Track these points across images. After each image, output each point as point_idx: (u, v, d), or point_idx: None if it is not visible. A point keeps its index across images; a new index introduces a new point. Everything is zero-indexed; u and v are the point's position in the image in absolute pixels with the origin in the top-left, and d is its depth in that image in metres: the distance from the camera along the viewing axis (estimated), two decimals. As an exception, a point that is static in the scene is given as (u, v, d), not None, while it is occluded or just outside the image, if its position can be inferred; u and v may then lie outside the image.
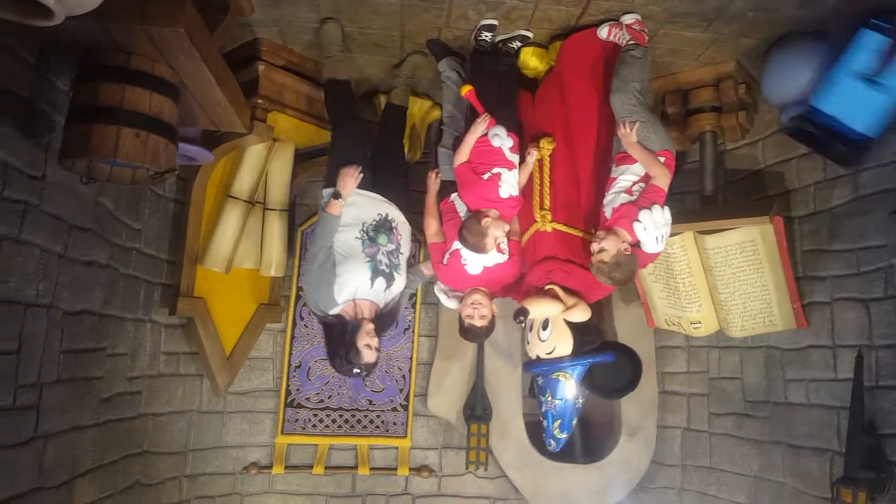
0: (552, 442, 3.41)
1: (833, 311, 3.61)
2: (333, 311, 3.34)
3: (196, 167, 4.06)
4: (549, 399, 3.35)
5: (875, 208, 3.38)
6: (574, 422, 3.39)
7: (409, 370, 4.77)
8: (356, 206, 3.49)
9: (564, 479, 4.67)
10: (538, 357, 3.38)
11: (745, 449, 4.17)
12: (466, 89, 3.48)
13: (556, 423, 3.35)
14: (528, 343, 3.47)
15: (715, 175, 4.19)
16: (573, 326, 3.32)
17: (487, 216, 3.31)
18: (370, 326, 3.28)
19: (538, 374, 3.42)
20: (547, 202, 3.62)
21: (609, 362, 3.32)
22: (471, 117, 3.54)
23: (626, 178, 3.34)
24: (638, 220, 3.15)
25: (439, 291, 3.71)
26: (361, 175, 3.45)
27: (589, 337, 3.35)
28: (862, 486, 3.19)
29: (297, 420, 4.66)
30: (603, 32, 3.57)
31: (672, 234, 3.88)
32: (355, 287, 3.33)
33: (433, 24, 3.63)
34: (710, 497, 4.40)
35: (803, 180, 3.87)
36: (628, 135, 3.30)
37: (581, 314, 3.33)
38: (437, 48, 3.84)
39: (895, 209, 3.26)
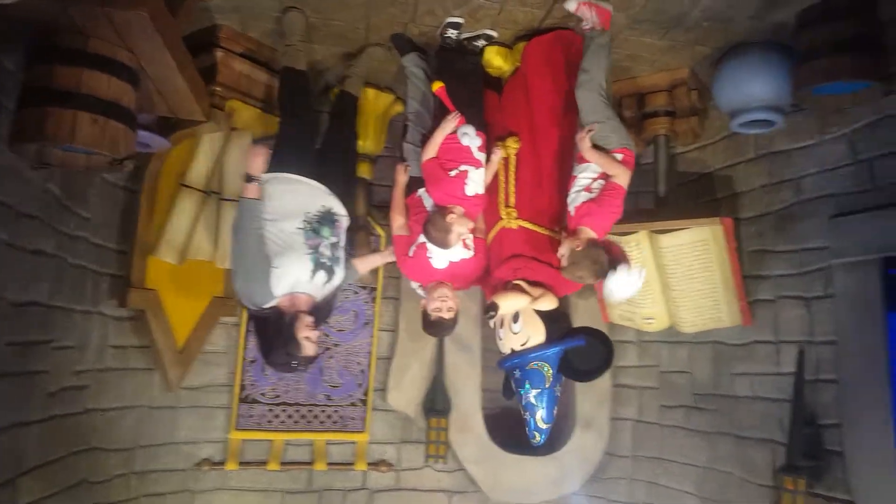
0: (536, 434, 3.42)
1: (777, 308, 3.79)
2: (269, 305, 3.20)
3: (149, 154, 3.93)
4: (529, 389, 3.35)
5: (816, 212, 3.57)
6: (555, 410, 3.41)
7: (369, 365, 4.74)
8: (300, 194, 3.40)
9: (522, 471, 4.75)
10: (512, 350, 3.39)
11: (693, 440, 4.33)
12: (438, 86, 3.50)
13: (539, 414, 3.36)
14: (501, 339, 3.47)
15: (668, 177, 4.33)
16: (543, 315, 3.36)
17: (452, 213, 3.34)
18: (309, 319, 3.16)
19: (513, 367, 3.42)
20: (512, 200, 3.68)
21: (581, 346, 3.34)
22: (439, 114, 3.56)
23: (585, 175, 3.43)
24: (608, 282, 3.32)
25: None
26: (270, 153, 3.35)
27: (558, 324, 3.40)
28: (803, 474, 3.39)
29: (251, 415, 4.58)
30: (571, 6, 3.43)
31: (628, 233, 4.02)
32: (295, 279, 3.21)
33: (399, 18, 3.63)
34: (659, 487, 4.56)
35: (750, 184, 4.04)
36: (583, 140, 3.39)
37: (549, 303, 3.40)
38: (402, 43, 3.84)
39: (835, 213, 3.44)
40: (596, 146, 3.40)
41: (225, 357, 4.61)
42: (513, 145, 3.73)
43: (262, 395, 4.60)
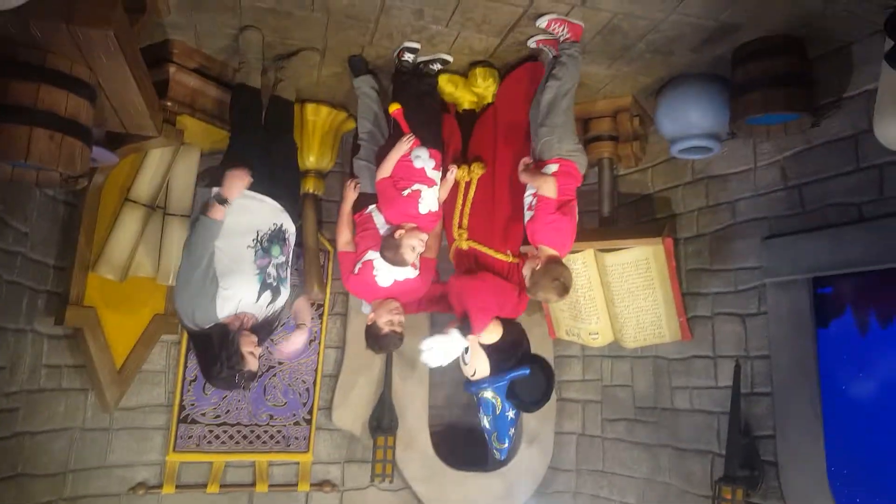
0: (496, 452, 3.69)
1: (714, 324, 4.01)
2: (210, 325, 3.10)
3: (91, 169, 3.78)
4: (483, 415, 3.60)
5: (751, 233, 3.81)
6: (511, 430, 3.62)
7: (314, 382, 4.68)
8: (251, 212, 3.32)
9: (468, 487, 4.79)
10: (468, 379, 3.59)
11: (634, 453, 4.49)
12: (395, 108, 3.55)
13: (494, 436, 3.61)
14: (462, 365, 3.63)
15: (611, 198, 4.51)
16: (488, 348, 3.50)
17: (401, 228, 3.39)
18: (253, 336, 3.11)
19: (472, 394, 3.64)
20: (465, 222, 3.81)
21: (526, 376, 3.47)
22: (394, 133, 3.62)
23: (527, 195, 3.53)
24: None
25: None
26: (251, 180, 3.28)
27: (504, 355, 3.50)
28: (740, 484, 3.58)
29: (190, 436, 4.43)
30: (542, 23, 3.42)
31: (574, 252, 4.15)
32: (239, 300, 3.13)
33: (357, 41, 3.65)
34: (602, 499, 4.70)
35: (688, 206, 4.27)
36: (521, 162, 3.56)
37: (491, 336, 3.50)
38: (358, 65, 3.87)
39: (769, 235, 3.68)
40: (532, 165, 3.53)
41: (163, 376, 4.46)
42: (477, 171, 3.84)
43: (203, 415, 4.46)
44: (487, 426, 3.60)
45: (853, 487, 3.40)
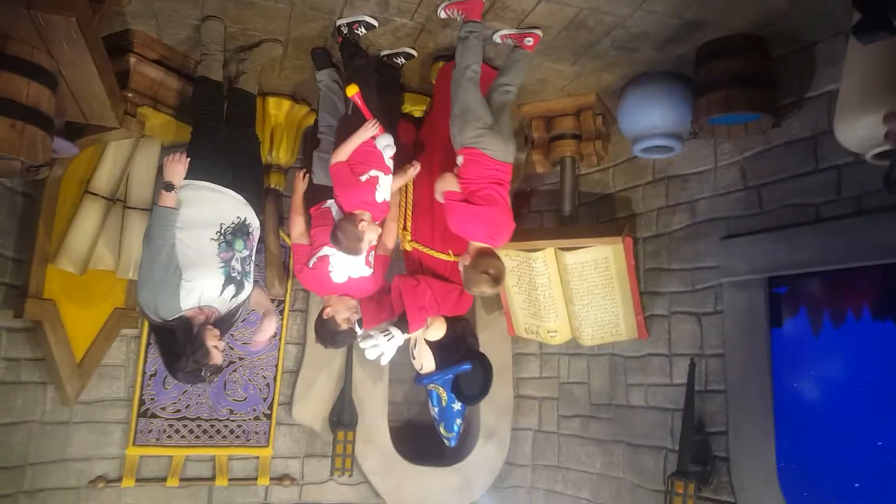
0: (444, 440, 3.97)
1: (671, 323, 4.10)
2: (174, 318, 3.08)
3: (50, 160, 3.73)
4: (432, 406, 3.88)
5: (709, 233, 3.90)
6: (458, 421, 3.87)
7: (275, 378, 4.68)
8: (215, 203, 3.33)
9: (425, 481, 4.84)
10: (417, 372, 3.83)
11: (589, 448, 4.57)
12: (353, 90, 3.46)
13: (441, 426, 3.89)
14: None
15: (573, 197, 4.57)
16: (433, 344, 3.69)
17: (363, 220, 3.38)
18: (216, 330, 3.13)
19: (421, 386, 3.91)
20: (409, 223, 3.89)
21: (468, 371, 3.64)
22: (352, 118, 3.58)
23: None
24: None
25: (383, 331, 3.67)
26: (189, 160, 3.26)
27: (448, 351, 3.68)
28: (692, 479, 3.67)
29: (150, 430, 4.41)
30: (497, 38, 3.60)
31: (535, 250, 4.22)
32: (201, 292, 3.12)
33: (321, 33, 3.65)
34: (556, 494, 4.77)
35: (648, 205, 4.35)
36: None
37: (436, 332, 3.67)
38: (321, 58, 3.85)
39: (726, 235, 3.77)
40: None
41: (123, 370, 4.43)
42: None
43: (163, 409, 4.45)
44: (436, 416, 3.87)
45: (801, 484, 3.47)
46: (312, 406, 4.68)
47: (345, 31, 3.56)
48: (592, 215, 4.70)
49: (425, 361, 3.71)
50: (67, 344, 3.94)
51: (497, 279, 3.29)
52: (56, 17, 2.34)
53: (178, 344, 3.05)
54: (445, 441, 3.95)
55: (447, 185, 3.36)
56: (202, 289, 3.13)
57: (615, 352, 4.48)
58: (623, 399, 4.37)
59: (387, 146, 3.54)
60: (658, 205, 4.27)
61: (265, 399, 4.66)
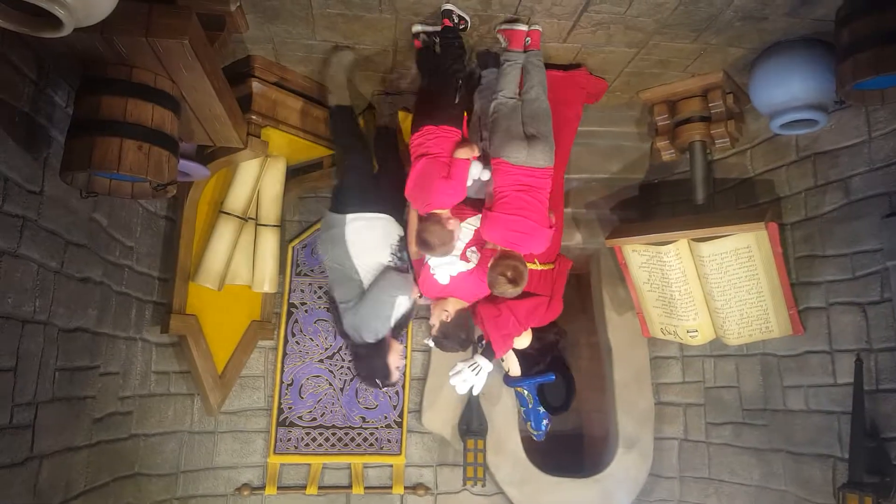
0: (532, 435, 4.26)
1: (829, 316, 3.64)
2: (381, 336, 3.61)
3: (187, 184, 4.01)
4: (519, 406, 4.25)
5: (868, 212, 3.43)
6: (545, 421, 4.16)
7: (403, 386, 4.69)
8: (378, 229, 3.69)
9: (562, 493, 4.61)
10: (506, 373, 4.18)
11: (744, 458, 4.16)
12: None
13: (528, 424, 4.22)
14: None
15: (706, 184, 4.23)
16: (519, 353, 4.00)
17: (449, 217, 3.52)
18: (400, 347, 3.73)
19: (510, 387, 4.28)
20: None
21: (551, 382, 3.96)
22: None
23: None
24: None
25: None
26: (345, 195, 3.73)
27: (532, 360, 4.01)
28: (868, 491, 3.20)
29: (289, 439, 4.57)
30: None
31: (666, 243, 3.93)
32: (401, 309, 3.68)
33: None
34: (709, 508, 4.39)
35: (794, 187, 3.92)
36: None
37: (521, 342, 3.94)
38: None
39: (889, 213, 3.31)
40: None
41: (262, 381, 4.63)
42: None
43: (300, 418, 4.59)
44: (524, 415, 4.21)
45: None
46: (441, 414, 4.64)
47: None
48: (730, 203, 4.32)
49: (512, 367, 4.00)
50: (210, 356, 4.18)
51: (513, 280, 3.34)
52: (171, 41, 2.49)
53: (375, 361, 3.68)
54: (532, 436, 4.24)
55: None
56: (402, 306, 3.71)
57: (767, 351, 4.06)
58: (780, 403, 3.94)
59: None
60: (805, 186, 3.84)
61: (395, 407, 4.69)
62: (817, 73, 3.43)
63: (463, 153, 3.45)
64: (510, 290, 3.36)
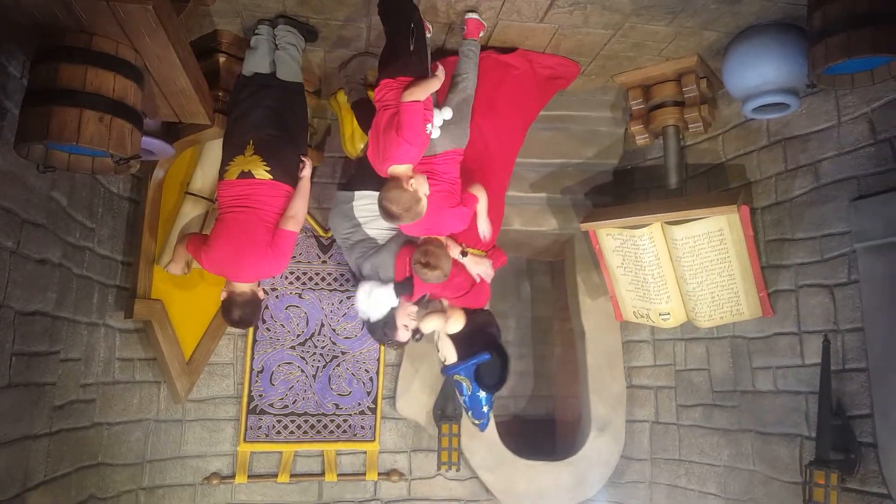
0: (476, 426, 4.19)
1: (798, 298, 3.69)
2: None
3: (152, 163, 3.88)
4: (459, 396, 4.12)
5: (836, 196, 3.48)
6: (485, 408, 4.08)
7: (377, 372, 4.64)
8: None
9: (536, 477, 4.63)
10: (443, 364, 4.13)
11: (714, 439, 4.22)
12: None
13: (469, 413, 4.14)
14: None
15: (679, 169, 4.25)
16: (453, 337, 3.96)
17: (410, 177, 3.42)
18: (412, 308, 3.81)
19: (447, 376, 4.23)
20: None
21: (487, 361, 3.89)
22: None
23: None
24: None
25: None
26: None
27: (468, 343, 3.93)
28: (834, 468, 3.26)
29: (260, 427, 4.48)
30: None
31: (640, 226, 3.94)
32: None
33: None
34: (679, 489, 4.43)
35: (764, 172, 3.96)
36: None
37: (455, 325, 3.95)
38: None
39: (857, 196, 3.36)
40: None
41: (231, 368, 4.52)
42: None
43: (271, 405, 4.50)
44: (465, 405, 4.12)
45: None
46: (416, 399, 4.60)
47: None
48: (702, 188, 4.35)
49: (448, 354, 3.98)
50: (176, 342, 4.07)
51: (426, 265, 3.47)
52: (133, 6, 2.37)
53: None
54: (476, 427, 4.19)
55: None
56: None
57: (737, 333, 4.11)
58: (749, 384, 3.99)
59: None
60: (776, 170, 3.88)
61: (369, 393, 4.63)
62: (790, 56, 3.45)
63: (411, 94, 3.10)
64: (429, 274, 3.48)
